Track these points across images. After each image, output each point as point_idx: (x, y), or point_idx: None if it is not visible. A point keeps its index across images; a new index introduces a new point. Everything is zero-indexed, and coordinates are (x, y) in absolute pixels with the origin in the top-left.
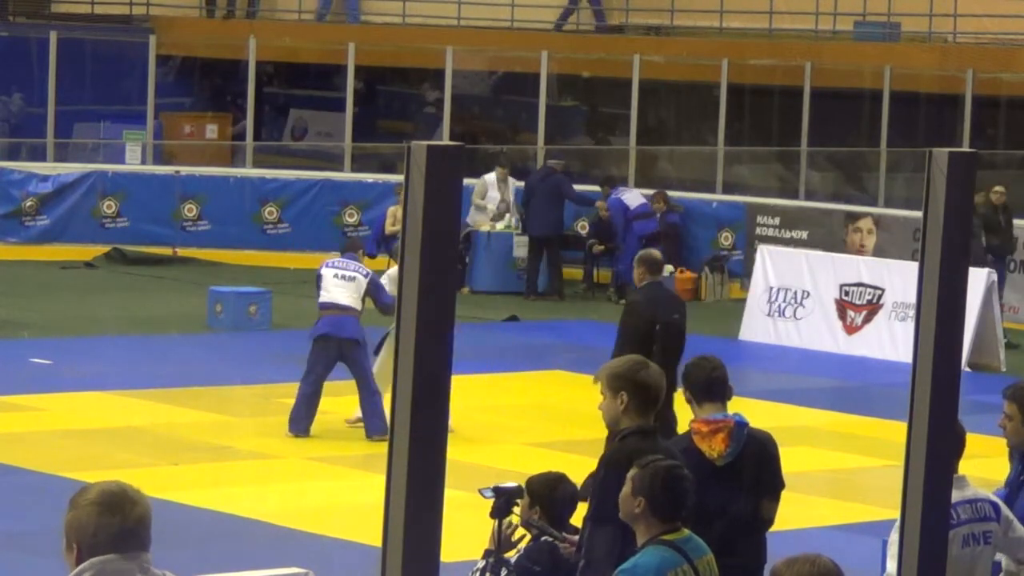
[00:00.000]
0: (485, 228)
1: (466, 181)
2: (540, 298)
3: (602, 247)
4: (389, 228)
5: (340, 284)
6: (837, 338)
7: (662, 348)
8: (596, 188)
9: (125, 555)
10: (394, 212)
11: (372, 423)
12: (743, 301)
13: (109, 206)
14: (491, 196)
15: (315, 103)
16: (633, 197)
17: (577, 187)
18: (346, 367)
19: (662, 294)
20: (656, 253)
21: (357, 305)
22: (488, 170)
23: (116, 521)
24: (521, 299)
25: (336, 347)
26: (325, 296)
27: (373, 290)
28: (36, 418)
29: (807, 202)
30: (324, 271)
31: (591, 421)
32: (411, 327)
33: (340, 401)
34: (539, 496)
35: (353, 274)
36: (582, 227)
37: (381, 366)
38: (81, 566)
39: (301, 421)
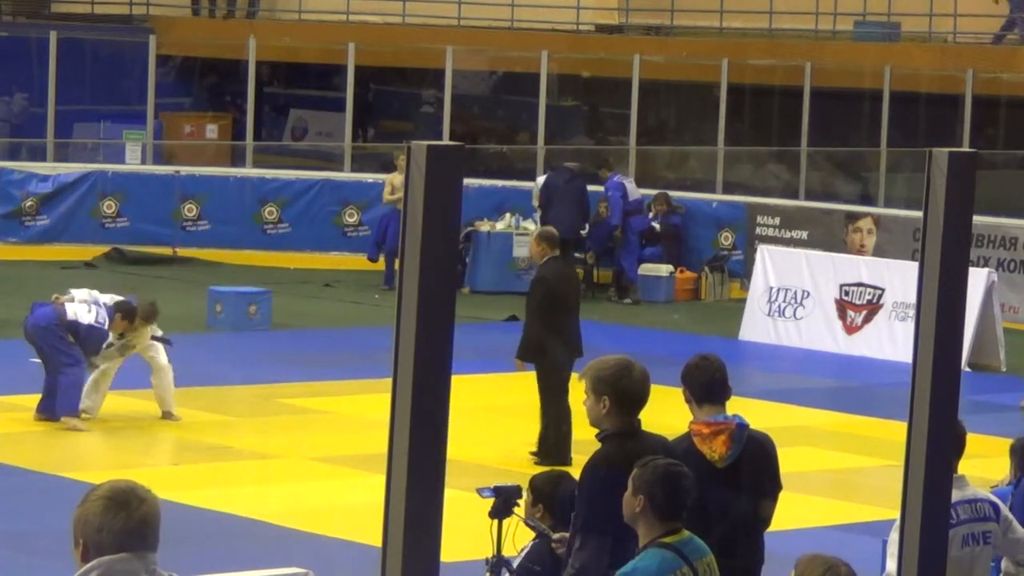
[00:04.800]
0: (485, 228)
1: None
2: None
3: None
4: (387, 197)
5: (84, 302)
6: (837, 338)
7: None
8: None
9: (132, 554)
10: (391, 180)
11: (59, 403)
12: (743, 301)
13: (109, 206)
14: None
15: (315, 103)
16: (632, 189)
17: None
18: None
19: (563, 268)
20: (552, 230)
21: (82, 314)
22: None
23: (121, 518)
24: (522, 299)
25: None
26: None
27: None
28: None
29: (807, 202)
30: (76, 301)
31: None
32: (411, 327)
33: (339, 401)
34: (542, 494)
35: (97, 307)
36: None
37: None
38: (88, 565)
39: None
